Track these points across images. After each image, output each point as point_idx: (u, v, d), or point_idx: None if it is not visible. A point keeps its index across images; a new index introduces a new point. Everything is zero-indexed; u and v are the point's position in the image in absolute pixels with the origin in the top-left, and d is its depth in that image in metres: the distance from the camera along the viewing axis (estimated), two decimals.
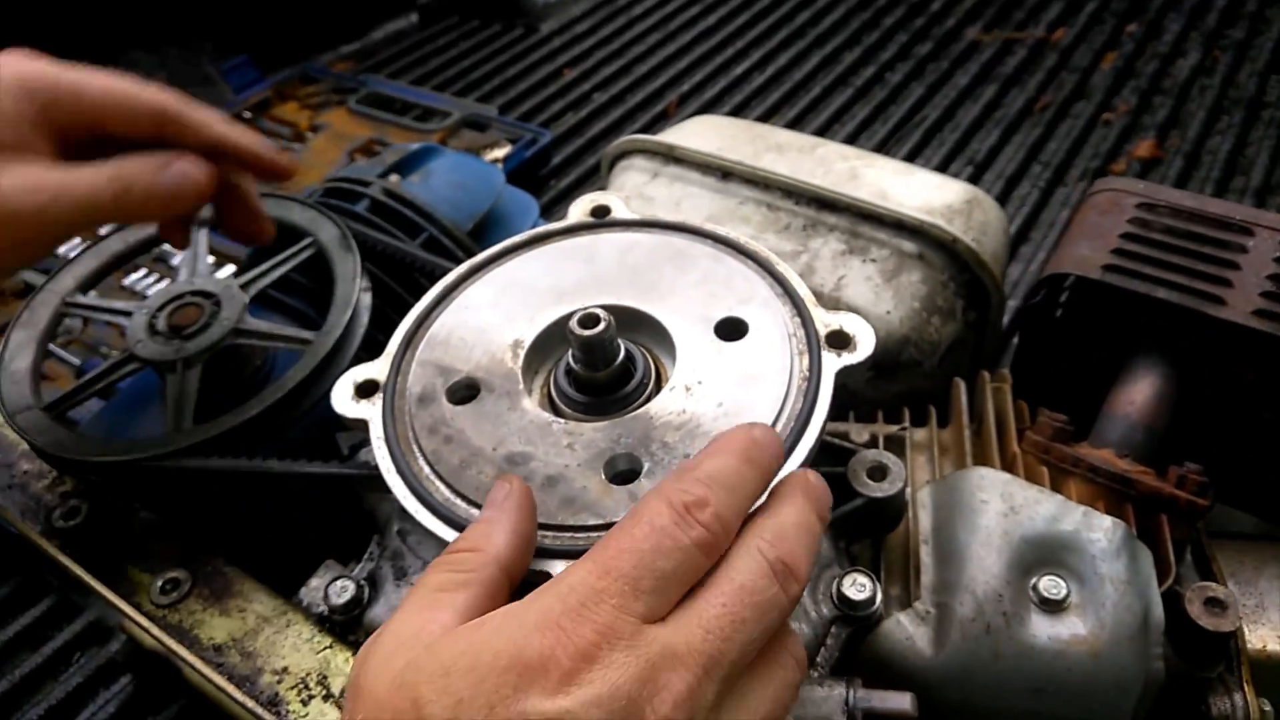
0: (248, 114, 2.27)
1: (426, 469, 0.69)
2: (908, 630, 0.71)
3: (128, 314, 0.99)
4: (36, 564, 1.02)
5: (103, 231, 1.12)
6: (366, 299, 0.99)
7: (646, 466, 0.66)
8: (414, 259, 1.09)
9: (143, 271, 2.10)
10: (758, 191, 1.04)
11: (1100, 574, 0.69)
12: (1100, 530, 0.70)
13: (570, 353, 0.72)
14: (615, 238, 0.83)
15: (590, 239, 0.84)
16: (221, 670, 0.79)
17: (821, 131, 2.13)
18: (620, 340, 0.72)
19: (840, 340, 0.71)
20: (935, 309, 0.93)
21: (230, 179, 0.86)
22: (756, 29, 2.50)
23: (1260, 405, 0.84)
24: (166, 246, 1.07)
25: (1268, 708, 0.71)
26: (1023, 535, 0.71)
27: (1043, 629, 0.68)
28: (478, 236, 1.19)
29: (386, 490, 0.69)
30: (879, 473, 0.73)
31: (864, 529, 0.78)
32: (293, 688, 0.78)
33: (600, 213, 0.87)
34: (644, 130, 2.20)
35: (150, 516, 0.95)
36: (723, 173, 1.07)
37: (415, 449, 0.71)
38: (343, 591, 0.79)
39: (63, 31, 2.15)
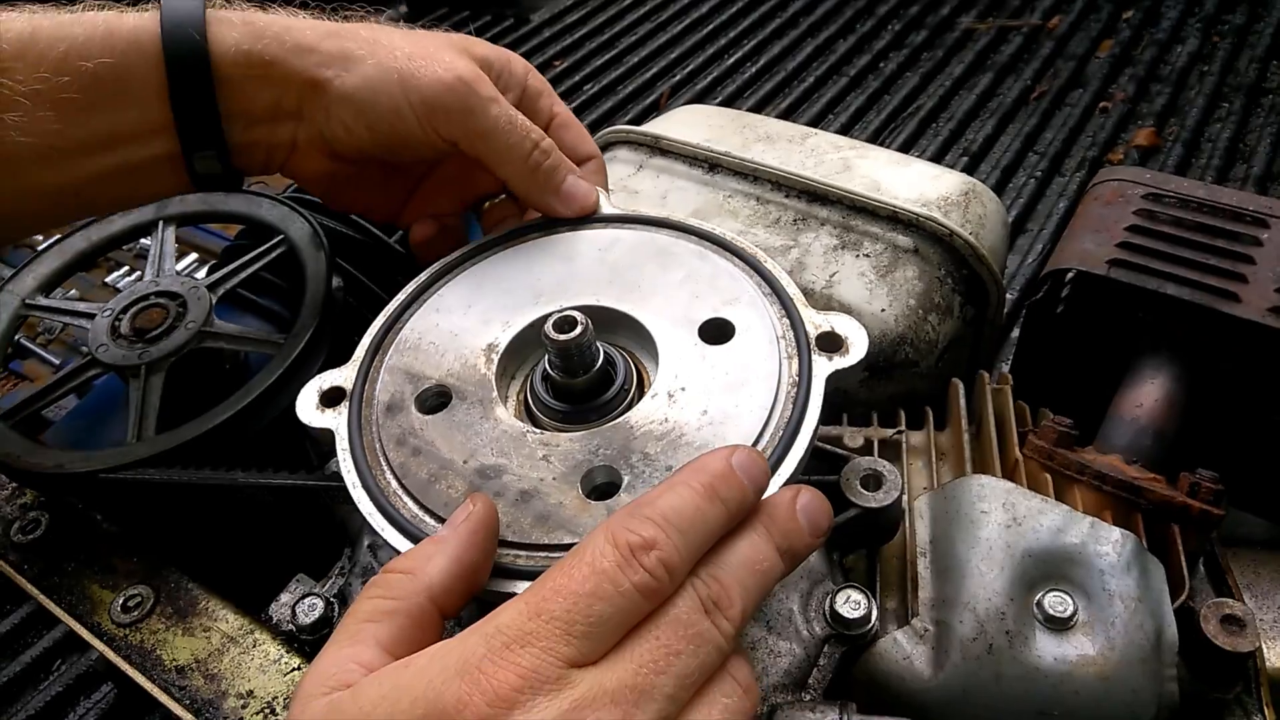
0: None
1: (394, 483, 0.65)
2: (905, 649, 0.67)
3: (90, 316, 0.95)
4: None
5: (65, 229, 1.07)
6: (339, 298, 0.95)
7: (626, 480, 0.62)
8: (390, 254, 1.05)
9: (125, 269, 2.07)
10: (746, 184, 1.00)
11: (1109, 590, 0.65)
12: (1108, 543, 0.66)
13: (546, 358, 0.68)
14: (596, 234, 0.79)
15: (570, 236, 0.80)
16: (184, 694, 0.75)
17: (815, 121, 2.09)
18: (599, 344, 0.69)
19: (831, 342, 0.67)
20: (932, 306, 0.89)
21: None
22: (749, 18, 2.46)
23: (1276, 407, 0.80)
24: (145, 241, 1.03)
25: None
26: (1026, 548, 0.67)
27: (1048, 649, 0.64)
28: None
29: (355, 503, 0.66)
30: (873, 481, 0.69)
31: (858, 540, 0.75)
32: (258, 712, 0.74)
33: None
34: (637, 121, 2.16)
35: (113, 528, 0.91)
36: (710, 164, 1.03)
37: (383, 461, 0.67)
38: (311, 610, 0.75)
39: None
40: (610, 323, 0.73)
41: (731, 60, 2.32)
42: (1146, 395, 0.79)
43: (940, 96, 2.12)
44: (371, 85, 0.74)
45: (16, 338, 1.14)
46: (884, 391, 0.89)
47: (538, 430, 0.67)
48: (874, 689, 0.68)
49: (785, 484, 0.60)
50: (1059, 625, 0.64)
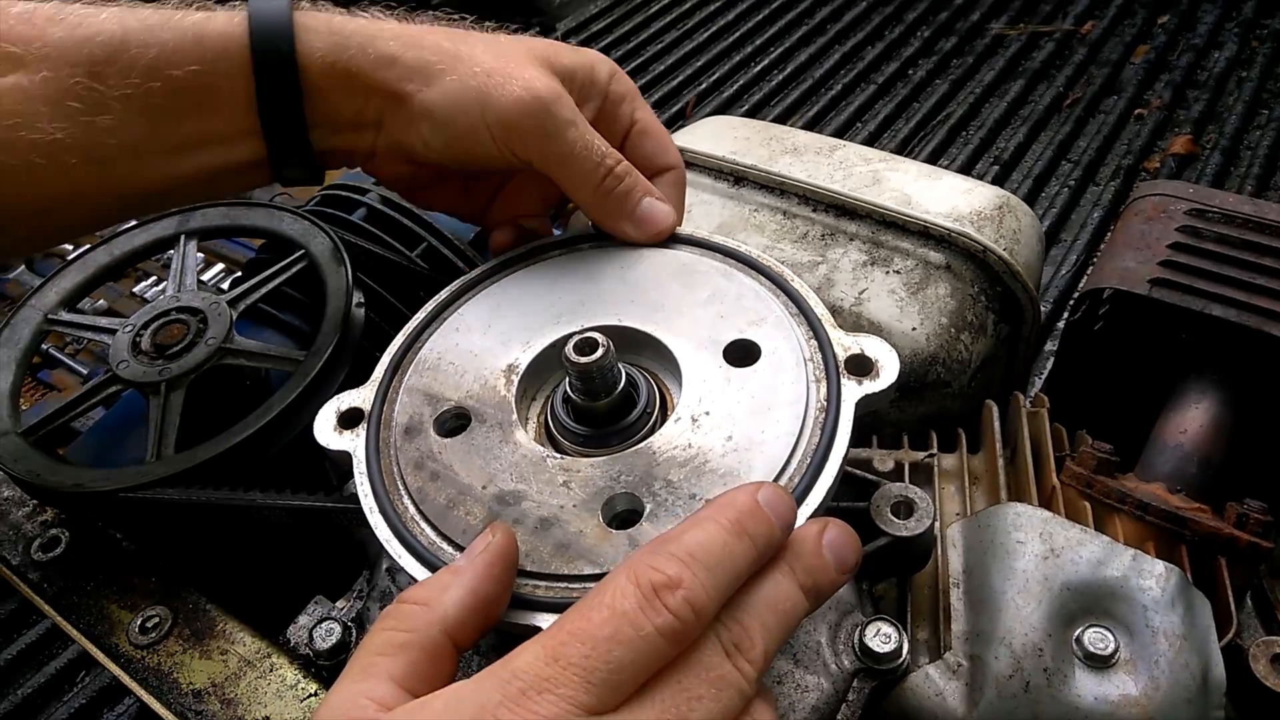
0: None
1: (411, 509, 0.64)
2: (938, 685, 0.65)
3: (111, 332, 0.94)
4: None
5: (86, 245, 1.07)
6: (359, 315, 0.94)
7: (648, 508, 0.60)
8: (412, 271, 1.04)
9: (153, 279, 2.08)
10: (773, 198, 0.98)
11: (1153, 626, 0.62)
12: (1152, 576, 0.63)
13: (567, 380, 0.67)
14: (617, 253, 0.78)
15: (591, 253, 0.79)
16: (200, 719, 0.74)
17: (843, 130, 2.07)
18: (622, 366, 0.67)
19: (861, 366, 0.65)
20: (965, 325, 0.86)
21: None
22: (775, 25, 2.44)
23: None
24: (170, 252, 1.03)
25: None
26: (1064, 581, 0.65)
27: (1088, 688, 0.61)
28: (480, 247, 1.13)
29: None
30: (905, 509, 0.67)
31: (888, 569, 0.72)
32: None
33: None
34: None
35: (132, 547, 0.90)
36: (735, 178, 1.01)
37: (400, 486, 0.65)
38: (328, 635, 0.74)
39: None
40: (632, 344, 0.71)
41: (758, 68, 2.30)
42: (1191, 420, 0.76)
43: (970, 104, 2.09)
44: (451, 101, 0.73)
45: (46, 347, 1.14)
46: (915, 412, 0.86)
47: (558, 455, 0.65)
48: None
49: (812, 515, 0.58)
50: (1100, 663, 0.62)
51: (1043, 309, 1.51)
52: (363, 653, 0.51)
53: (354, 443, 0.69)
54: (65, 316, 1.00)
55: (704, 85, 2.26)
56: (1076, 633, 0.63)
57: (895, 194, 0.94)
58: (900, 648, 0.65)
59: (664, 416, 0.68)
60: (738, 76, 2.28)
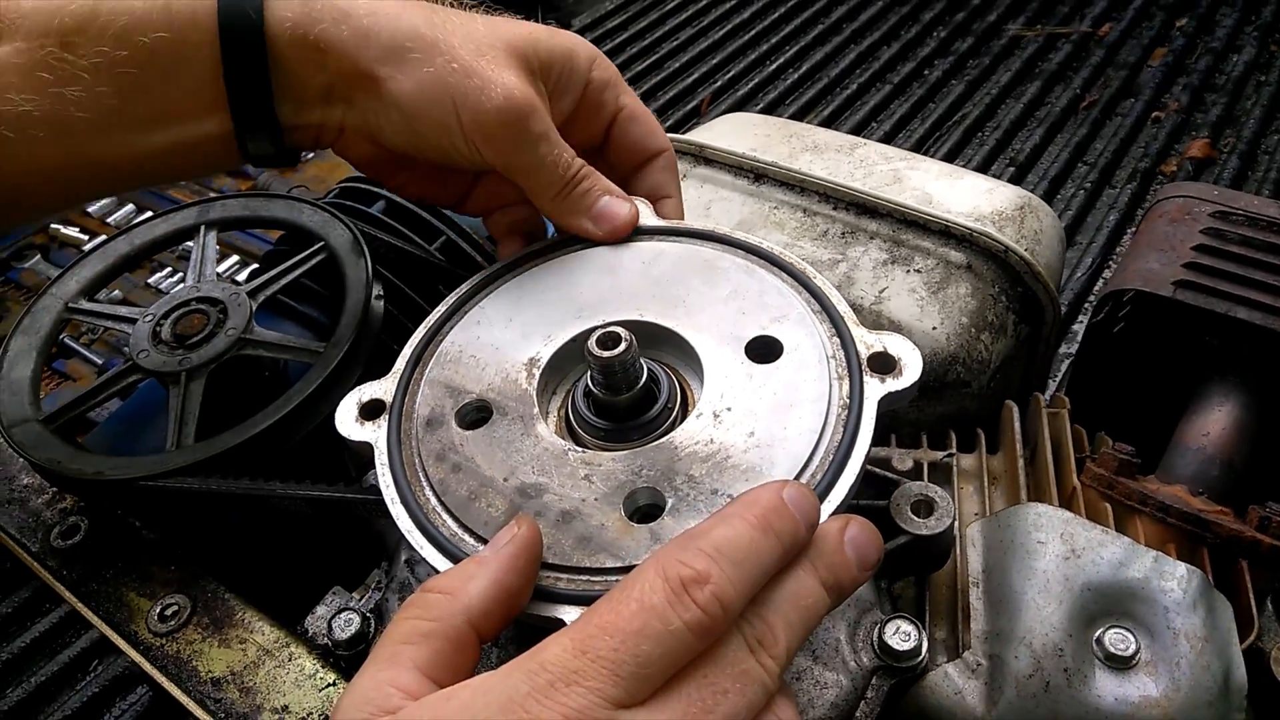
0: None
1: (433, 500, 0.64)
2: (957, 684, 0.65)
3: (131, 321, 0.95)
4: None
5: (103, 236, 1.08)
6: (379, 308, 0.94)
7: (670, 503, 0.60)
8: (430, 264, 1.04)
9: (168, 269, 2.08)
10: (793, 195, 0.98)
11: (1174, 628, 0.62)
12: (1174, 578, 0.63)
13: (589, 374, 0.67)
14: (639, 247, 0.78)
15: (613, 248, 0.78)
16: (219, 707, 0.75)
17: (858, 129, 2.06)
18: (643, 360, 0.67)
19: (884, 364, 0.65)
20: (985, 324, 0.86)
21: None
22: (792, 24, 2.43)
23: None
24: (188, 244, 1.03)
25: None
26: (1085, 582, 0.64)
27: (1109, 688, 0.61)
28: None
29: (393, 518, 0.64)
30: (925, 508, 0.67)
31: (907, 568, 0.72)
32: None
33: None
34: (677, 128, 2.14)
35: (152, 535, 0.90)
36: (756, 174, 1.01)
37: (422, 477, 0.66)
38: (347, 625, 0.74)
39: None
40: (654, 339, 0.71)
41: (773, 66, 2.29)
42: (1214, 423, 0.76)
43: (986, 105, 2.08)
44: (423, 94, 0.73)
45: (61, 337, 1.15)
46: (934, 412, 0.86)
47: (579, 449, 0.65)
48: None
49: (834, 512, 0.58)
50: (1120, 664, 0.62)
51: None
52: (387, 641, 0.51)
53: (375, 434, 0.69)
54: (86, 306, 1.01)
55: (719, 83, 2.26)
56: (1097, 633, 0.63)
57: (916, 193, 0.94)
58: (919, 646, 0.65)
59: (685, 412, 0.68)
60: (753, 74, 2.28)
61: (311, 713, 0.73)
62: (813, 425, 0.62)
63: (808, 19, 2.45)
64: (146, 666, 0.77)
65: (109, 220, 2.16)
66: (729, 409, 0.64)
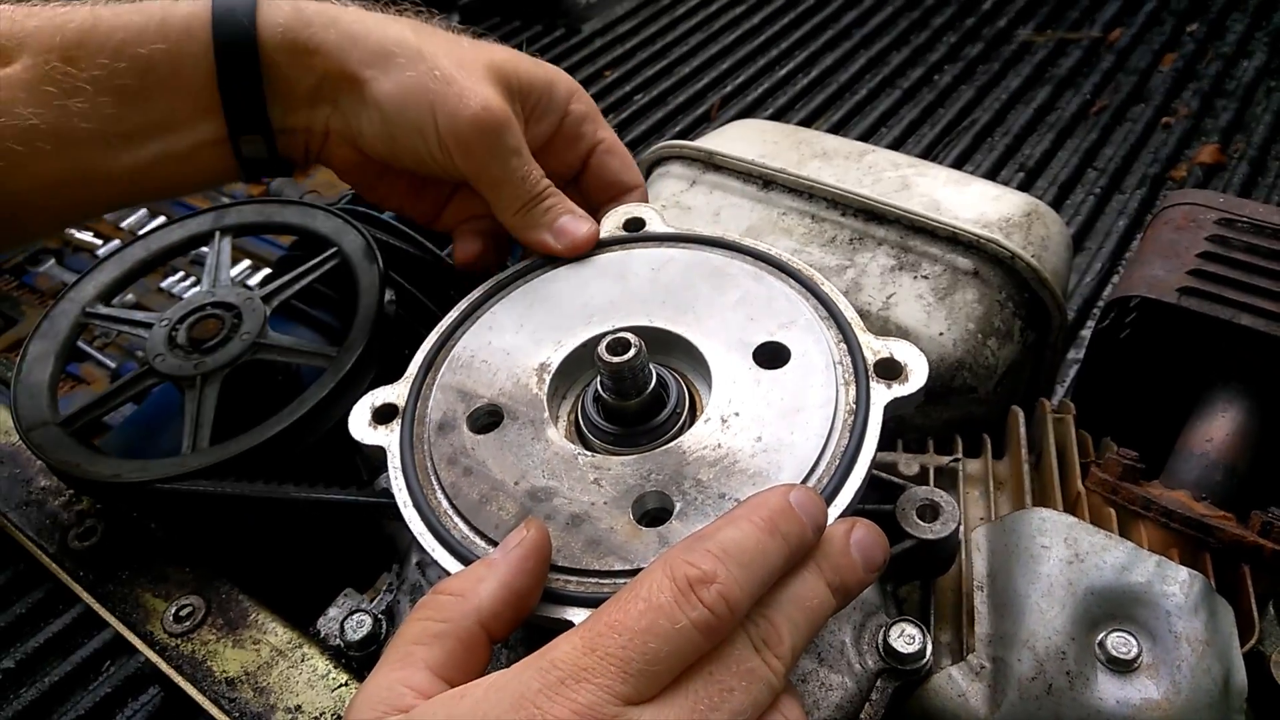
0: None
1: (445, 503, 0.65)
2: (960, 686, 0.65)
3: (148, 326, 0.96)
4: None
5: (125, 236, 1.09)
6: (391, 312, 0.96)
7: (678, 507, 0.61)
8: (442, 269, 1.05)
9: (180, 274, 2.10)
10: (801, 201, 0.99)
11: (1176, 632, 0.62)
12: (1176, 583, 0.64)
13: (599, 379, 0.68)
14: (649, 253, 0.79)
15: (622, 254, 0.79)
16: (234, 706, 0.76)
17: (867, 135, 2.07)
18: (652, 366, 0.68)
19: (890, 370, 0.66)
20: (992, 331, 0.87)
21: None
22: (801, 29, 2.44)
23: None
24: (203, 249, 1.05)
25: None
26: (1089, 586, 0.65)
27: (1110, 691, 0.62)
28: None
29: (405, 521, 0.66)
30: (930, 512, 0.67)
31: (913, 571, 0.73)
32: None
33: (634, 225, 0.82)
34: (686, 133, 2.15)
35: (167, 537, 0.92)
36: (764, 181, 1.02)
37: (434, 481, 0.67)
38: (359, 627, 0.76)
39: None
40: (663, 344, 0.72)
41: (783, 72, 2.30)
42: (1217, 429, 0.76)
43: (996, 110, 2.08)
44: (403, 97, 0.75)
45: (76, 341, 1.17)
46: (940, 417, 0.87)
47: (589, 453, 0.66)
48: None
49: (840, 516, 0.59)
50: (1122, 667, 0.62)
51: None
52: (399, 642, 0.52)
53: (388, 438, 0.70)
54: (103, 310, 1.02)
55: (729, 88, 2.27)
56: (1099, 637, 0.64)
57: (924, 199, 0.95)
58: (924, 649, 0.65)
59: (693, 417, 0.69)
60: (762, 80, 2.29)
61: (324, 712, 0.74)
62: (819, 430, 0.63)
63: (817, 25, 2.45)
64: (163, 666, 0.79)
65: (122, 225, 2.18)
66: (737, 414, 0.65)
